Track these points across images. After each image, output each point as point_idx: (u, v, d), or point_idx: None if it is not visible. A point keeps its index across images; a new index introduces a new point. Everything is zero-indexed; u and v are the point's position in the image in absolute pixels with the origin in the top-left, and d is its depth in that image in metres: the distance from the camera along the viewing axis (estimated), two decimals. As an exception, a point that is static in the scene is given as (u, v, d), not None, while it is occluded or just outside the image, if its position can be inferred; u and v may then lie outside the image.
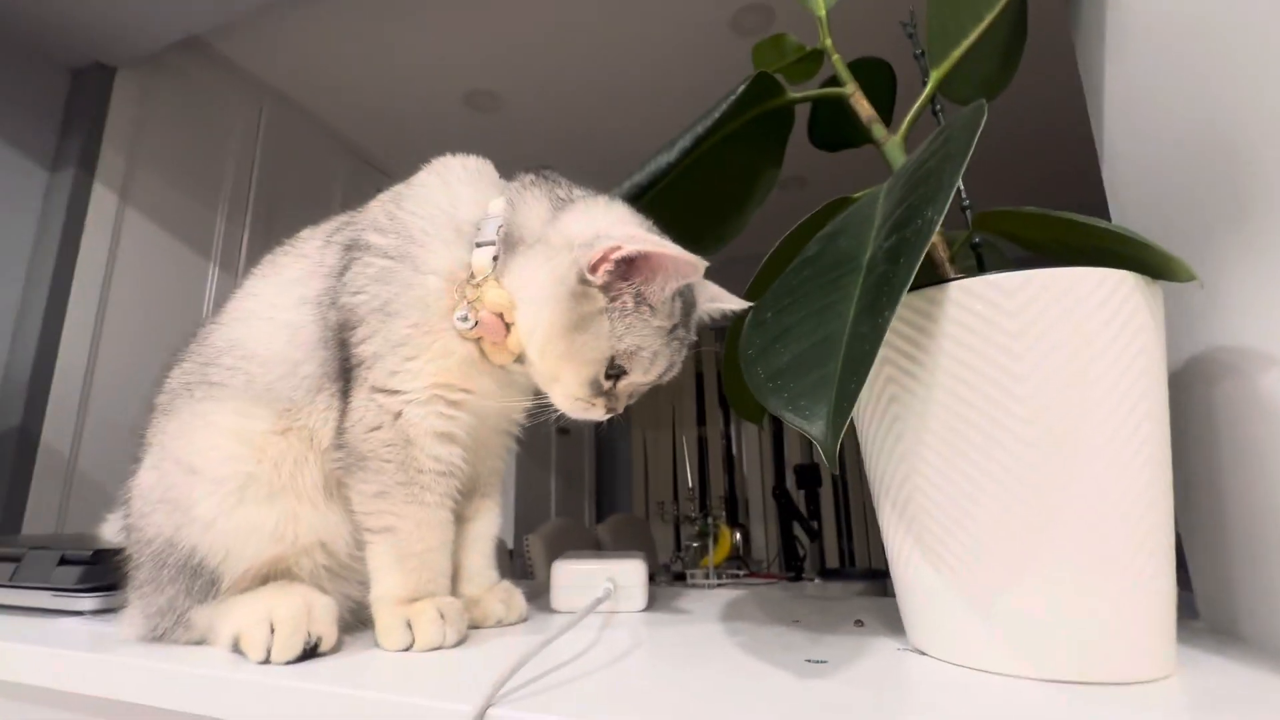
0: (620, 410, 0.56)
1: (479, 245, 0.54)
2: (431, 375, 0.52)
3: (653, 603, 0.65)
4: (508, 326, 0.53)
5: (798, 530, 3.02)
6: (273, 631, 0.44)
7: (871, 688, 0.38)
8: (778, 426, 3.85)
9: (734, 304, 0.59)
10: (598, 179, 0.63)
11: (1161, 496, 0.39)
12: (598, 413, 0.54)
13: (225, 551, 0.50)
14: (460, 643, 0.49)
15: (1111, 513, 0.38)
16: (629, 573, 0.63)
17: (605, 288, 0.51)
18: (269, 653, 0.44)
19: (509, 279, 0.53)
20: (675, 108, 2.28)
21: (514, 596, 0.58)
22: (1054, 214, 0.44)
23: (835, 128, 0.73)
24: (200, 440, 0.52)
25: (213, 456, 0.51)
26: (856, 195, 0.56)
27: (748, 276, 0.65)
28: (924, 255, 0.35)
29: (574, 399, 0.54)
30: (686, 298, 0.55)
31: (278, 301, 0.57)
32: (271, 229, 2.19)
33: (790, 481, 3.44)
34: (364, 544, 0.52)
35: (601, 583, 0.61)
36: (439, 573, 0.52)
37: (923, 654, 0.44)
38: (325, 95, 2.32)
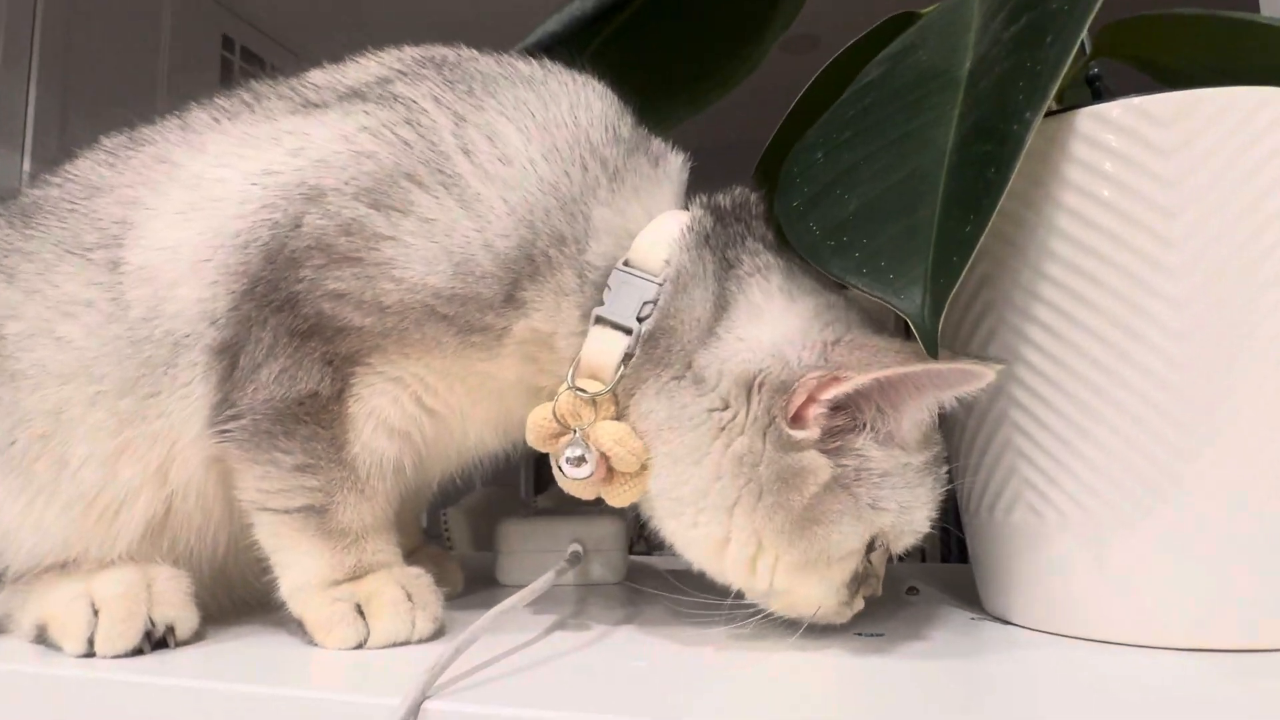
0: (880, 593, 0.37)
1: (598, 320, 0.33)
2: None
3: (635, 576, 0.50)
4: (610, 470, 0.34)
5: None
6: (96, 614, 0.32)
7: (947, 662, 0.30)
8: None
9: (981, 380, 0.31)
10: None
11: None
12: (858, 606, 0.35)
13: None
14: (438, 634, 0.35)
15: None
16: (603, 534, 0.49)
17: (824, 437, 0.32)
18: (90, 642, 0.32)
19: (635, 410, 0.33)
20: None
21: (447, 562, 0.46)
22: (1225, 15, 0.31)
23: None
24: None
25: None
26: (924, 10, 0.42)
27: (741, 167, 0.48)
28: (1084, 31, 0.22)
29: (827, 612, 0.34)
30: None
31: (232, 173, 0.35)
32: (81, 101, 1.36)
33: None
34: (249, 524, 0.36)
35: (567, 545, 0.47)
36: (386, 543, 0.37)
37: (1007, 622, 0.36)
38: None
